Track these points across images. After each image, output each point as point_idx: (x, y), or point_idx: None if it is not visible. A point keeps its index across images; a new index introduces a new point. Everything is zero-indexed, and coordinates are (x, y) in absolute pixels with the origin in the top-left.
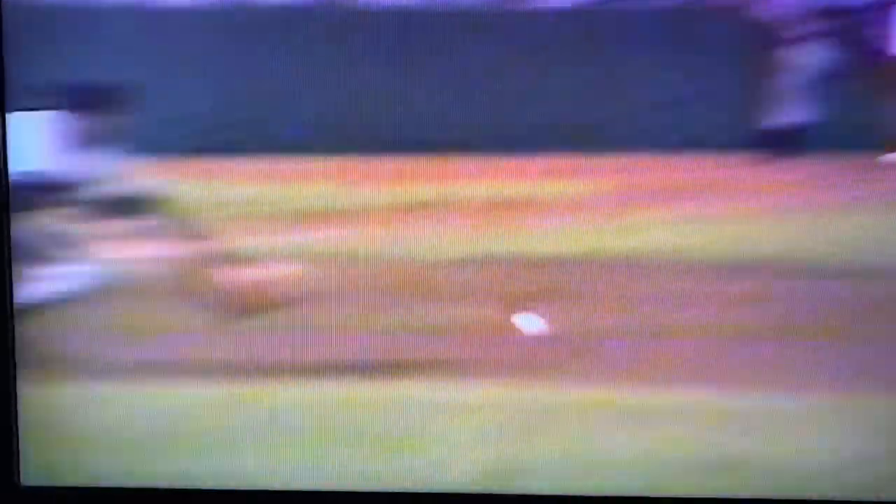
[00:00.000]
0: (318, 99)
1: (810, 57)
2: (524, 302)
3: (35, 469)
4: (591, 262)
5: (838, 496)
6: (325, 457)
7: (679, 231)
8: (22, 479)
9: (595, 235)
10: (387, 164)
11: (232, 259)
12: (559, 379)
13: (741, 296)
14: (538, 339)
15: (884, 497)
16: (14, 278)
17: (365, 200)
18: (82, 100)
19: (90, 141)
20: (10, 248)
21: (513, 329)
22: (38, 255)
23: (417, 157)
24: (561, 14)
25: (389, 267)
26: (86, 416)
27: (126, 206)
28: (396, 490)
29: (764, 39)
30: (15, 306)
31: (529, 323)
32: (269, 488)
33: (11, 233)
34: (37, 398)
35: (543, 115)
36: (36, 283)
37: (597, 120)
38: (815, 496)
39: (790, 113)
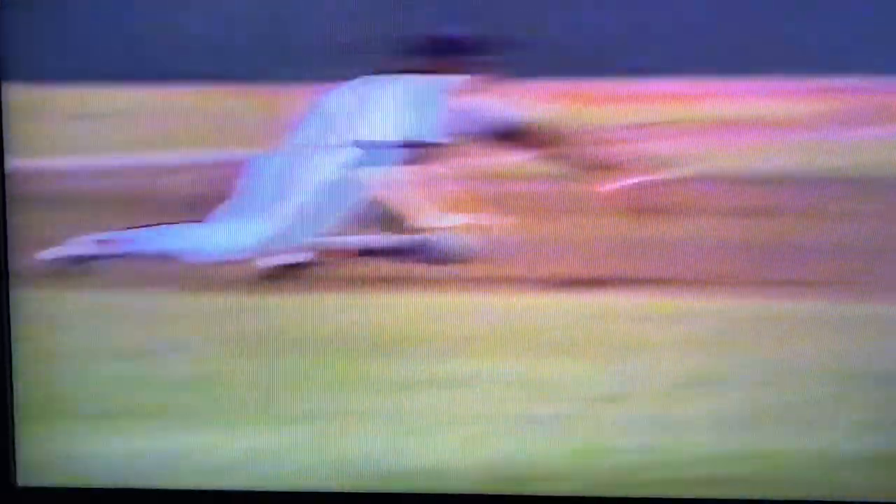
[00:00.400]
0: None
1: None
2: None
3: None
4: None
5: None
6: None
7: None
8: (19, 479)
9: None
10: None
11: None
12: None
13: None
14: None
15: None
16: (10, 280)
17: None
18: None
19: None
20: (7, 249)
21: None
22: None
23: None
24: None
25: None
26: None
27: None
28: None
29: None
30: (10, 306)
31: None
32: (269, 489)
33: None
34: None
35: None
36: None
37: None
38: None
39: None
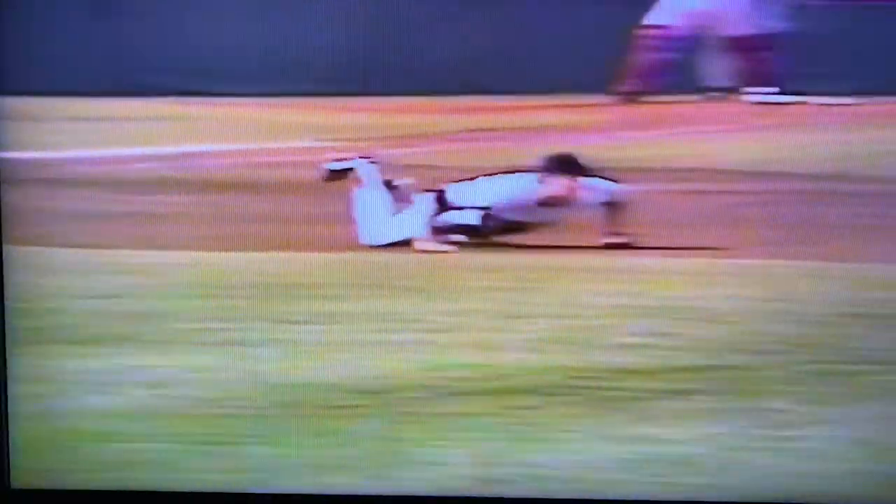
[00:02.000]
0: None
1: None
2: None
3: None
4: None
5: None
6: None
7: None
8: (12, 482)
9: None
10: None
11: None
12: None
13: None
14: None
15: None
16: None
17: None
18: None
19: None
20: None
21: None
22: None
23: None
24: None
25: None
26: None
27: None
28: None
29: None
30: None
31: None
32: (269, 491)
33: None
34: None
35: None
36: None
37: None
38: None
39: None
